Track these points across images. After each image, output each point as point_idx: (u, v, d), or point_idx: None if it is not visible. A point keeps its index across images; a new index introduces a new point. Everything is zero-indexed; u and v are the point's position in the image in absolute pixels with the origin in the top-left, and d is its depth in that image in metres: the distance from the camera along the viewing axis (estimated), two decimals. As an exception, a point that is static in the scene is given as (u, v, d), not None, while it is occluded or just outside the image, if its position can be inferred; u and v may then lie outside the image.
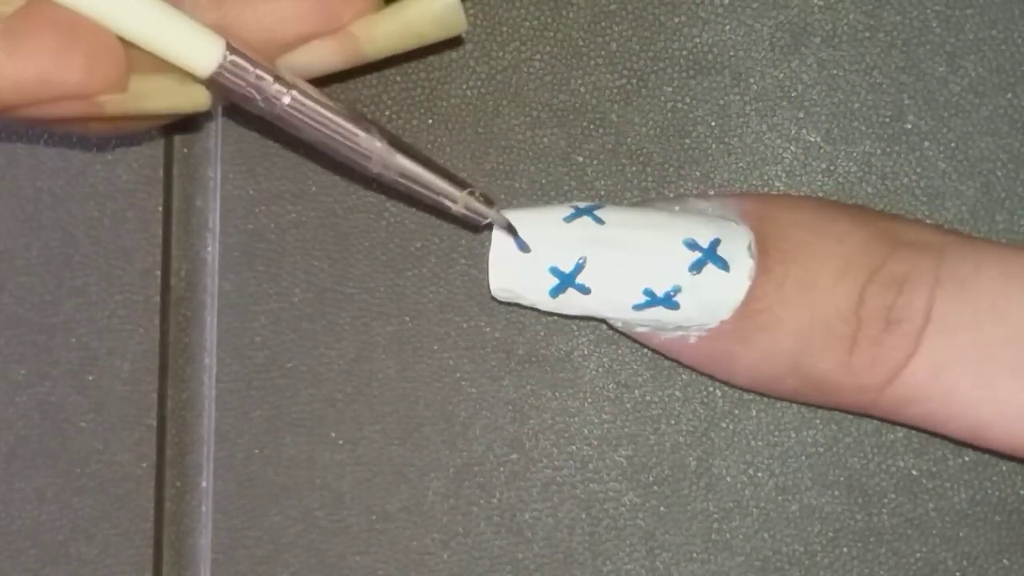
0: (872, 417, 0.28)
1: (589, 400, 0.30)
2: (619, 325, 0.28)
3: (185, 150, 0.31)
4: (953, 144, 0.29)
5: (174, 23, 0.24)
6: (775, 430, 0.29)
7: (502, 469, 0.30)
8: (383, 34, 0.26)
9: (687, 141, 0.29)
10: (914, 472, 0.29)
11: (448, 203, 0.26)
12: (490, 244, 0.27)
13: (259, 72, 0.24)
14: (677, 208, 0.27)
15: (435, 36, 0.26)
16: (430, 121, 0.30)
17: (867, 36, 0.29)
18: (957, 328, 0.25)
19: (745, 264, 0.26)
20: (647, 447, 0.29)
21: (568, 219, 0.26)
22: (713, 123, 0.29)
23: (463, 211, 0.26)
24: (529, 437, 0.30)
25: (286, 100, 0.25)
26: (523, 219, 0.26)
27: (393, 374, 0.30)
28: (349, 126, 0.25)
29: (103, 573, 0.30)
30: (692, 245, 0.26)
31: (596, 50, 0.30)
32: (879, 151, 0.29)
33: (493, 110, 0.30)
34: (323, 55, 0.26)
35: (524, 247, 0.26)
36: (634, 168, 0.29)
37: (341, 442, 0.30)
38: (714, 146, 0.29)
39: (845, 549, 0.29)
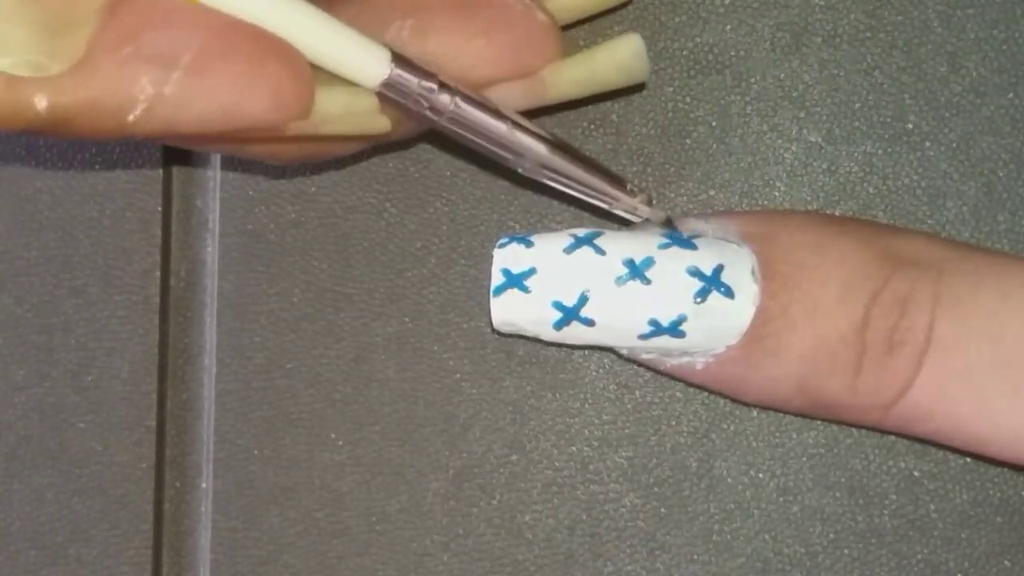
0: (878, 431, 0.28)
1: (590, 401, 0.30)
2: (624, 352, 0.28)
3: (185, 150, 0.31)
4: (954, 144, 0.29)
5: (343, 36, 0.24)
6: (776, 431, 0.29)
7: (502, 470, 0.30)
8: (568, 80, 0.26)
9: (687, 141, 0.29)
10: (915, 473, 0.29)
11: (608, 201, 0.27)
12: (491, 246, 0.27)
13: (424, 82, 0.25)
14: None
15: (618, 83, 0.27)
16: (430, 121, 0.30)
17: (868, 36, 0.29)
18: (955, 349, 0.25)
19: (750, 289, 0.26)
20: (648, 448, 0.29)
21: (568, 250, 0.26)
22: (713, 123, 0.29)
23: (622, 211, 0.27)
24: (529, 438, 0.30)
25: (451, 105, 0.25)
26: (522, 252, 0.26)
27: (393, 374, 0.30)
28: (512, 130, 0.26)
29: (103, 573, 0.30)
30: (695, 273, 0.26)
31: (596, 50, 0.30)
32: (880, 151, 0.29)
33: (493, 110, 0.30)
34: (509, 96, 0.26)
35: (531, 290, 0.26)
36: (634, 168, 0.29)
37: (341, 443, 0.30)
38: (714, 146, 0.29)
39: (846, 550, 0.29)
